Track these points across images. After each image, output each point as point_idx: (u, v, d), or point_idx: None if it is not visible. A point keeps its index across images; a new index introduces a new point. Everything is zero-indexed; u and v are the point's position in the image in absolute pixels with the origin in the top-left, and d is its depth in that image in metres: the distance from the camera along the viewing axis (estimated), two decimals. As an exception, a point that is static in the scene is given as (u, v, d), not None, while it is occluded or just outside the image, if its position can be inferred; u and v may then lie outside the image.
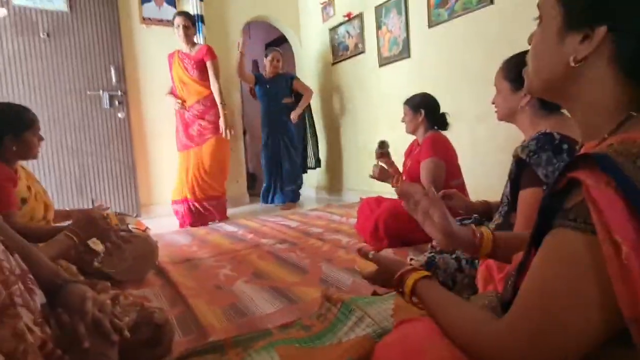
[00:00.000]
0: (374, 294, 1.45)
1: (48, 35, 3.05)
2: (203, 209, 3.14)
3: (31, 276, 0.73)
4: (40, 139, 1.57)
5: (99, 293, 1.06)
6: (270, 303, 1.44)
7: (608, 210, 0.39)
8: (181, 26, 3.01)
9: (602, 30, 0.46)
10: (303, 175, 3.97)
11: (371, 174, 2.24)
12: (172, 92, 3.27)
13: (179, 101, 3.16)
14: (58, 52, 3.09)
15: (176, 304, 1.49)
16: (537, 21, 0.56)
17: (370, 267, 0.86)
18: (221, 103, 3.11)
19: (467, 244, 0.76)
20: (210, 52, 3.08)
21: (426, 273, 0.70)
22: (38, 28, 3.02)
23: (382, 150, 2.30)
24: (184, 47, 3.12)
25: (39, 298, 0.72)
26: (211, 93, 3.12)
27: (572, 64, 0.49)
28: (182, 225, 3.11)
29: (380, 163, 2.30)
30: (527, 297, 0.47)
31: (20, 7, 2.96)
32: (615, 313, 0.39)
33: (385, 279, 0.77)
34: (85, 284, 1.15)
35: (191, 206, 3.12)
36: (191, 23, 3.08)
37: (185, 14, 3.08)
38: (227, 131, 3.14)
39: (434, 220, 0.74)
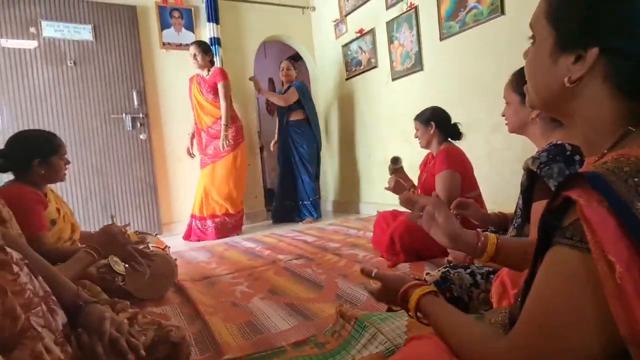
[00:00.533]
0: (389, 310, 1.44)
1: (75, 63, 3.23)
2: (220, 224, 3.29)
3: (54, 297, 0.77)
4: (67, 162, 1.65)
5: (118, 312, 1.10)
6: (285, 320, 1.45)
7: (601, 230, 0.39)
8: (192, 55, 3.24)
9: (594, 52, 0.47)
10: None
11: (387, 186, 2.24)
12: (192, 138, 3.51)
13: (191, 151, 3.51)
14: (84, 79, 3.26)
15: (194, 321, 1.52)
16: (531, 40, 0.57)
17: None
18: (224, 124, 3.23)
19: (471, 247, 0.76)
20: (221, 74, 3.24)
21: (431, 288, 0.70)
22: (65, 57, 3.20)
23: (395, 166, 2.30)
24: (200, 72, 3.32)
25: (61, 318, 0.76)
26: None
27: (567, 85, 0.50)
28: (200, 239, 3.26)
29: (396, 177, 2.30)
30: (528, 315, 0.47)
31: (49, 39, 3.14)
32: (614, 332, 0.39)
33: (390, 295, 0.77)
34: (107, 303, 1.20)
35: (208, 222, 3.28)
36: (202, 50, 3.24)
37: (196, 43, 3.28)
38: (224, 144, 3.26)
39: (439, 223, 0.75)
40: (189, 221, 3.37)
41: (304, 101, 3.75)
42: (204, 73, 3.30)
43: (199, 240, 3.25)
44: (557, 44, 0.51)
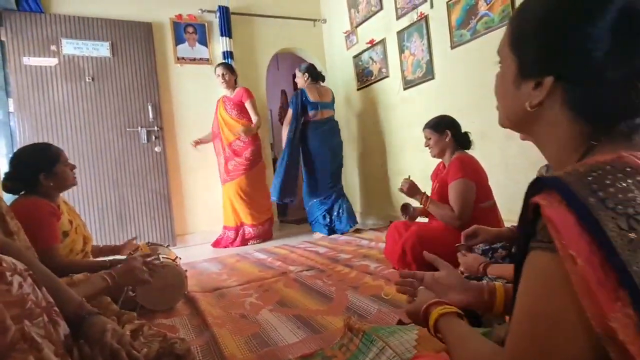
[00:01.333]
0: (400, 323, 1.40)
1: (93, 79, 3.33)
2: (250, 233, 3.52)
3: (56, 308, 0.77)
4: (72, 167, 1.66)
5: (125, 324, 1.11)
6: (293, 332, 1.43)
7: (562, 227, 0.40)
8: (221, 75, 3.43)
9: (549, 79, 0.50)
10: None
11: (400, 187, 2.21)
12: (202, 140, 3.69)
13: (197, 143, 3.67)
14: (101, 94, 3.36)
15: (202, 333, 1.51)
16: (499, 64, 0.60)
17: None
18: (255, 126, 3.49)
19: (478, 303, 0.77)
20: (247, 92, 3.47)
21: (452, 309, 0.69)
22: (84, 73, 3.31)
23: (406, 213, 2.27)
24: (225, 92, 3.51)
25: (63, 329, 0.76)
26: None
27: (529, 109, 0.53)
28: (227, 246, 3.49)
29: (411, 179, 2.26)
30: (515, 325, 0.47)
31: (69, 56, 3.26)
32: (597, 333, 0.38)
33: (416, 314, 0.74)
34: (114, 314, 1.21)
35: (240, 231, 3.53)
36: (230, 71, 3.47)
37: (224, 65, 3.50)
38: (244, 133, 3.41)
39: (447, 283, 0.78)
40: (222, 232, 3.57)
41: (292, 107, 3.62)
42: (229, 92, 3.49)
43: (226, 247, 3.47)
44: (519, 70, 0.54)
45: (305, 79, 3.64)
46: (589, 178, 0.42)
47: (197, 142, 3.65)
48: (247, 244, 3.47)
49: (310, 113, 3.56)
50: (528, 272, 0.46)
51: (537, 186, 0.45)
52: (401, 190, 2.21)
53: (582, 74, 0.48)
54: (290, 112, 3.61)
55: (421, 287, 0.81)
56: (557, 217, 0.41)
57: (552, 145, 0.54)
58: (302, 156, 3.64)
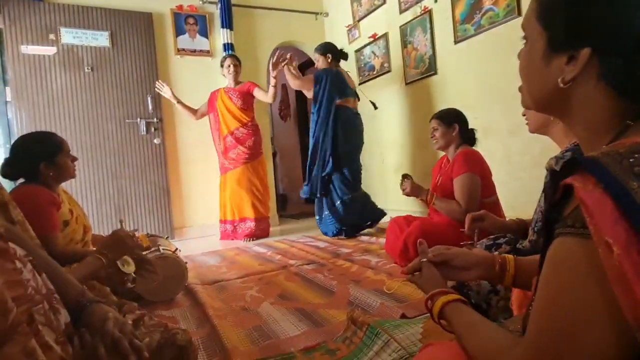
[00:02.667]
0: (403, 316, 1.39)
1: (92, 69, 3.29)
2: (249, 228, 3.41)
3: (57, 296, 0.75)
4: (74, 159, 1.64)
5: (125, 314, 1.08)
6: (295, 325, 1.41)
7: (597, 212, 0.38)
8: (232, 66, 3.36)
9: (585, 52, 0.46)
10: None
11: (402, 188, 2.19)
12: (185, 106, 3.41)
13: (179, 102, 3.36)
14: (100, 84, 3.31)
15: (203, 325, 1.49)
16: (524, 41, 0.56)
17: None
18: (272, 95, 3.29)
19: (489, 275, 0.75)
20: (252, 83, 3.44)
21: (457, 296, 0.67)
22: (83, 63, 3.26)
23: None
24: (228, 83, 3.44)
25: (63, 317, 0.74)
26: (250, 120, 3.41)
27: (561, 85, 0.49)
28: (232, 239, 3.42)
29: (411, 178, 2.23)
30: (536, 316, 0.45)
31: (68, 45, 3.21)
32: (628, 326, 0.36)
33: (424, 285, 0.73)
34: (115, 304, 1.18)
35: (235, 225, 3.43)
36: (239, 63, 3.42)
37: (234, 56, 3.43)
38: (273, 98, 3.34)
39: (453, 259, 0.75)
40: (220, 227, 3.48)
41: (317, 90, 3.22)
42: (233, 84, 3.41)
43: (233, 239, 3.42)
44: (549, 45, 0.50)
45: (329, 60, 3.21)
46: (631, 160, 0.39)
47: (180, 102, 3.34)
48: (244, 240, 3.34)
49: (350, 99, 3.20)
50: (553, 260, 0.43)
51: (570, 166, 0.42)
52: (404, 191, 2.19)
53: (621, 44, 0.45)
54: (311, 92, 3.17)
55: (424, 260, 0.76)
56: (592, 200, 0.38)
57: (582, 125, 0.51)
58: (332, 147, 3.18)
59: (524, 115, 1.24)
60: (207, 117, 3.51)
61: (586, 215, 0.38)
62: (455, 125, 2.04)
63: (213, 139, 3.55)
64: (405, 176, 2.24)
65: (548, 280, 0.44)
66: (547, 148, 1.22)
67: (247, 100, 3.41)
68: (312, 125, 3.27)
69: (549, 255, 0.44)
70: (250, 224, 3.41)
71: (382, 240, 2.62)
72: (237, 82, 3.44)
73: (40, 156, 1.52)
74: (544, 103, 0.55)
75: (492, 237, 1.40)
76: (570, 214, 0.41)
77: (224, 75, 3.43)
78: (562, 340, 0.40)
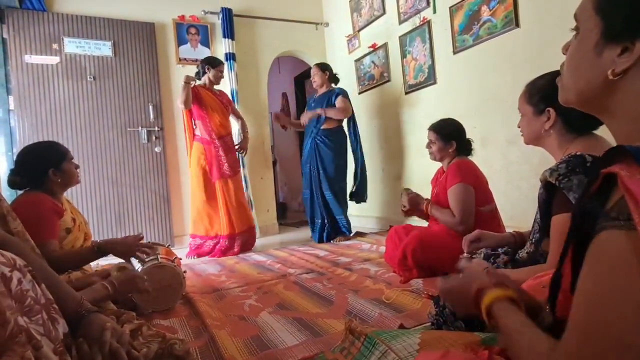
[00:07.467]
0: (401, 327, 1.39)
1: (94, 78, 3.32)
2: (234, 242, 3.17)
3: (55, 306, 0.76)
4: (76, 166, 1.70)
5: (124, 323, 1.09)
6: (293, 335, 1.41)
7: None
8: (222, 72, 3.31)
9: None
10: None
11: (401, 204, 2.19)
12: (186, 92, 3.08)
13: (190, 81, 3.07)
14: (102, 93, 3.35)
15: (201, 334, 1.49)
16: (574, 32, 0.55)
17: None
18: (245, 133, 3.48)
19: None
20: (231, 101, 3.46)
21: (509, 294, 0.63)
22: (86, 72, 3.30)
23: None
24: (208, 84, 3.25)
25: (62, 327, 0.75)
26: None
27: (611, 77, 0.48)
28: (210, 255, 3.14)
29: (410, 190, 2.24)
30: (577, 316, 0.42)
31: (71, 54, 3.25)
32: None
33: (460, 292, 0.70)
34: (113, 313, 1.19)
35: (223, 241, 3.15)
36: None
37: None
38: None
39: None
40: (195, 242, 3.16)
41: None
42: (215, 89, 3.30)
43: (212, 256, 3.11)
44: (604, 35, 0.49)
45: (327, 76, 3.40)
46: None
47: (190, 82, 3.05)
48: (244, 252, 3.13)
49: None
50: (597, 255, 0.41)
51: (612, 155, 0.41)
52: (403, 209, 2.18)
53: None
54: (347, 105, 3.34)
55: (470, 263, 0.74)
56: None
57: (626, 119, 0.49)
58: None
59: (519, 127, 1.25)
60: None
61: (631, 204, 0.36)
62: (452, 142, 2.05)
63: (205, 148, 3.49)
64: (404, 191, 2.24)
65: (589, 279, 0.41)
66: (546, 158, 1.22)
67: (229, 110, 3.38)
68: (352, 144, 3.56)
69: (592, 252, 0.41)
70: (239, 237, 3.19)
71: (382, 249, 2.62)
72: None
73: (49, 163, 1.57)
74: (588, 95, 0.53)
75: (489, 252, 1.40)
76: (614, 206, 0.39)
77: (208, 75, 3.23)
78: (606, 341, 0.38)
